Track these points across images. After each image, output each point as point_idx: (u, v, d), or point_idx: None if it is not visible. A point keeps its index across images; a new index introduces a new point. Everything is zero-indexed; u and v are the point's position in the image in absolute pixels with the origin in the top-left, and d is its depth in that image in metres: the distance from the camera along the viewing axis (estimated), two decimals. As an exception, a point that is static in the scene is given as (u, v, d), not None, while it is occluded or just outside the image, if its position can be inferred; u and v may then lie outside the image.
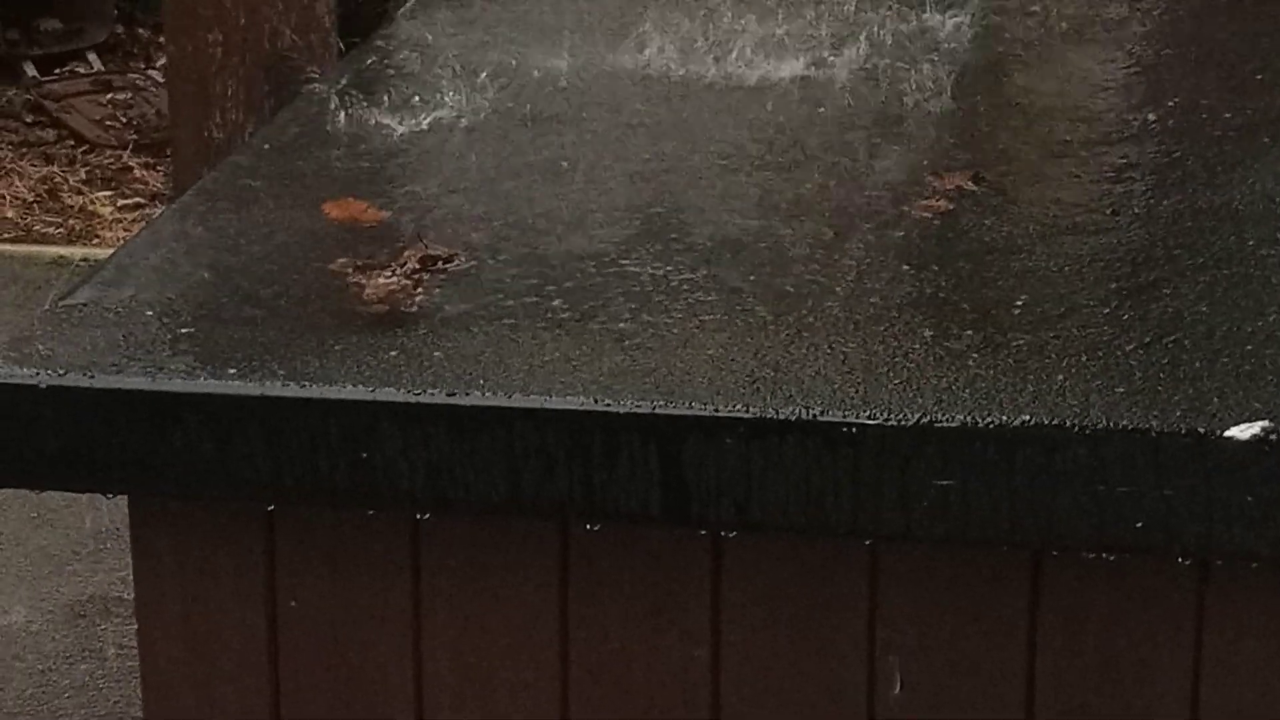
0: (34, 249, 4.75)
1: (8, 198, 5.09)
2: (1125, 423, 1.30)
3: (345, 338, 1.43)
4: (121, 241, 4.29)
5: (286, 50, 2.24)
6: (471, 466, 1.35)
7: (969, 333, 1.43)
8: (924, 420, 1.31)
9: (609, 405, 1.34)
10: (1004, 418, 1.31)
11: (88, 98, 5.66)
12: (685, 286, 1.51)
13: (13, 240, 4.85)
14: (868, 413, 1.31)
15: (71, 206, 5.07)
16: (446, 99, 1.93)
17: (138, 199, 5.11)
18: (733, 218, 1.65)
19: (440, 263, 1.56)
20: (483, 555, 1.43)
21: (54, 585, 3.08)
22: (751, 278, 1.53)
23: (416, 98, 1.93)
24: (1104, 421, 1.30)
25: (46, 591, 3.07)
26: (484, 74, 2.00)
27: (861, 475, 1.32)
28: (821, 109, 1.92)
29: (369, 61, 2.10)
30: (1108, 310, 1.46)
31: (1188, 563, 1.35)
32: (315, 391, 1.36)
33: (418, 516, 1.42)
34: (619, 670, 1.43)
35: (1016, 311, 1.47)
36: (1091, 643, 1.39)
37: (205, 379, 1.38)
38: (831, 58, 2.04)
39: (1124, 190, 1.72)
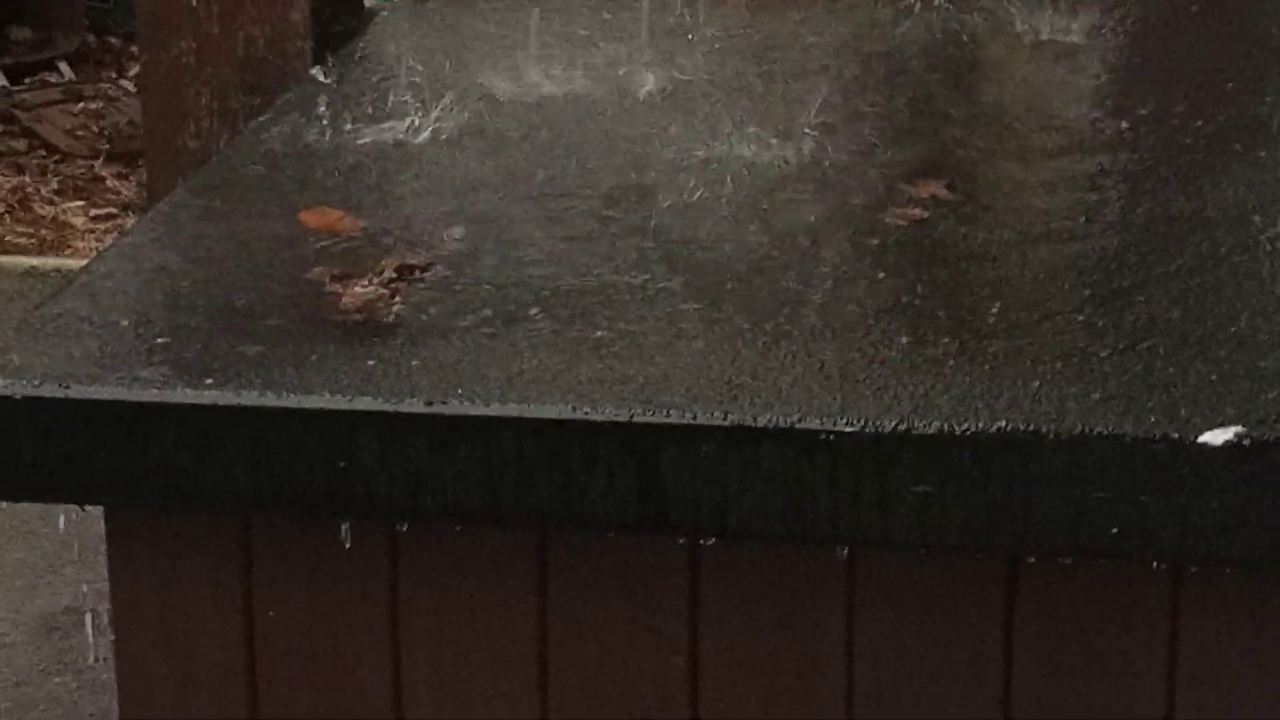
0: (5, 260, 4.72)
1: (-21, 208, 5.06)
2: (1100, 429, 1.30)
3: (322, 347, 1.43)
4: (94, 252, 4.27)
5: (261, 58, 2.23)
6: (450, 476, 1.35)
7: (945, 340, 1.43)
8: (901, 427, 1.31)
9: (587, 414, 1.34)
10: (980, 424, 1.31)
11: (59, 107, 5.64)
12: (662, 295, 1.51)
13: (-16, 251, 4.83)
14: (845, 420, 1.32)
15: (44, 217, 5.05)
16: (422, 108, 1.93)
17: (110, 209, 5.09)
18: (710, 227, 1.65)
19: (418, 271, 1.56)
20: (461, 564, 1.43)
21: (28, 597, 3.07)
22: (728, 286, 1.53)
23: (392, 107, 1.93)
24: (1079, 427, 1.30)
25: (20, 604, 3.06)
26: (460, 83, 2.00)
27: (839, 482, 1.32)
28: (795, 118, 1.93)
29: (345, 70, 2.09)
30: (1082, 317, 1.47)
31: (1163, 568, 1.36)
32: (292, 401, 1.36)
33: (396, 526, 1.42)
34: (598, 678, 1.43)
35: (992, 318, 1.47)
36: (1067, 647, 1.39)
37: (182, 389, 1.38)
38: (805, 67, 2.05)
39: (1098, 198, 1.73)
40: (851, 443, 1.31)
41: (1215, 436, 1.29)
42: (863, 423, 1.32)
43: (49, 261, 4.68)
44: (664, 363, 1.40)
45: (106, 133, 5.50)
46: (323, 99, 1.97)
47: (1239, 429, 1.29)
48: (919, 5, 2.24)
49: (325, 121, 1.89)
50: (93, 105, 5.66)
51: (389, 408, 1.35)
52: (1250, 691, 1.38)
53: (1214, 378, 1.36)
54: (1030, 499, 1.31)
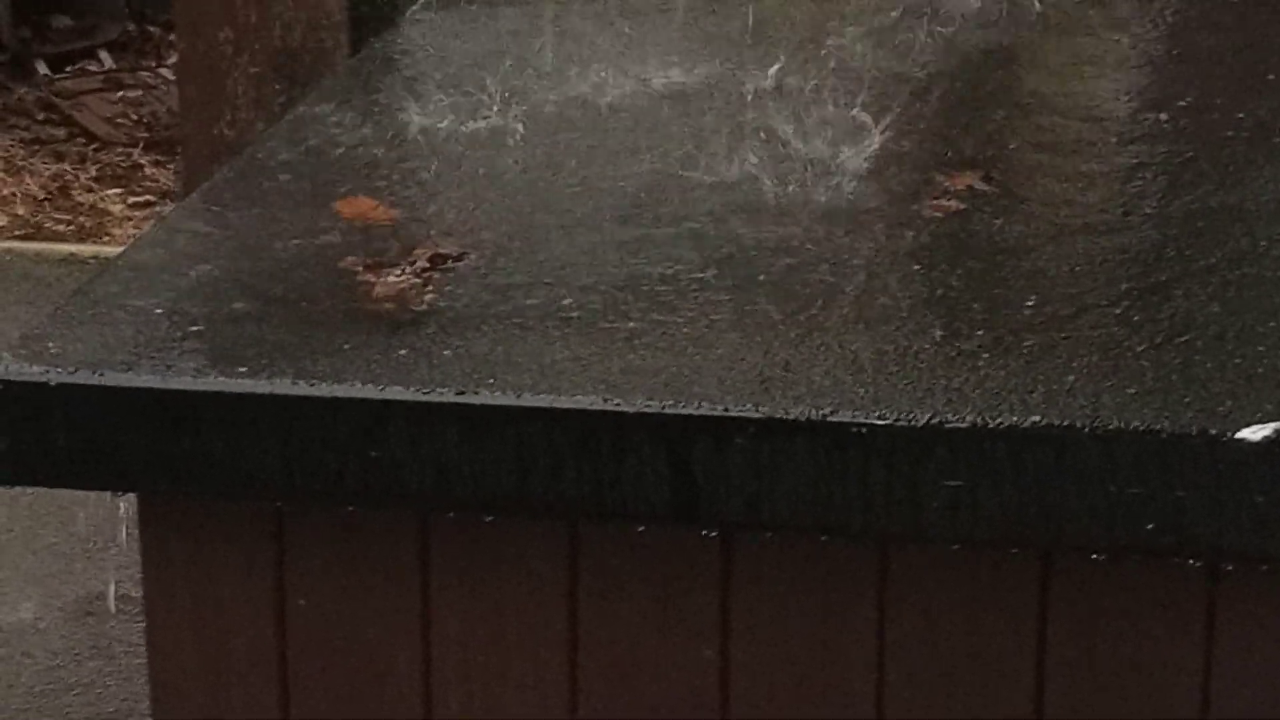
0: (45, 246, 4.75)
1: (19, 195, 5.10)
2: (1136, 424, 1.29)
3: (355, 336, 1.43)
4: (132, 239, 4.29)
5: (297, 48, 2.24)
6: (481, 465, 1.35)
7: (979, 333, 1.43)
8: (934, 420, 1.30)
9: (618, 405, 1.34)
10: (1014, 418, 1.30)
11: (99, 95, 5.67)
12: (695, 286, 1.51)
13: (24, 237, 4.86)
14: (878, 413, 1.31)
15: (82, 204, 5.08)
16: (456, 99, 1.93)
17: (148, 197, 5.12)
18: (742, 218, 1.65)
19: (450, 261, 1.56)
20: (491, 554, 1.43)
21: (62, 582, 3.09)
22: (761, 277, 1.53)
23: (426, 97, 1.93)
24: (1115, 422, 1.29)
25: (55, 588, 3.08)
26: (494, 75, 2.00)
27: (871, 475, 1.31)
28: (831, 108, 1.92)
29: (380, 60, 2.10)
30: (1119, 311, 1.46)
31: (1198, 564, 1.35)
32: (325, 390, 1.36)
33: (427, 515, 1.42)
34: (628, 670, 1.43)
35: (1027, 312, 1.46)
36: (1101, 644, 1.38)
37: (215, 377, 1.38)
38: (838, 57, 2.04)
39: (1135, 190, 1.72)
40: (884, 436, 1.31)
41: (1253, 433, 1.27)
42: (895, 416, 1.31)
43: (87, 249, 4.71)
44: (696, 354, 1.40)
45: (146, 121, 5.53)
46: (358, 90, 1.97)
47: (1277, 425, 1.28)
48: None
49: (360, 112, 1.90)
50: (132, 93, 5.69)
51: (420, 397, 1.35)
52: (1286, 690, 1.37)
53: (1252, 373, 1.35)
54: (1064, 494, 1.30)
